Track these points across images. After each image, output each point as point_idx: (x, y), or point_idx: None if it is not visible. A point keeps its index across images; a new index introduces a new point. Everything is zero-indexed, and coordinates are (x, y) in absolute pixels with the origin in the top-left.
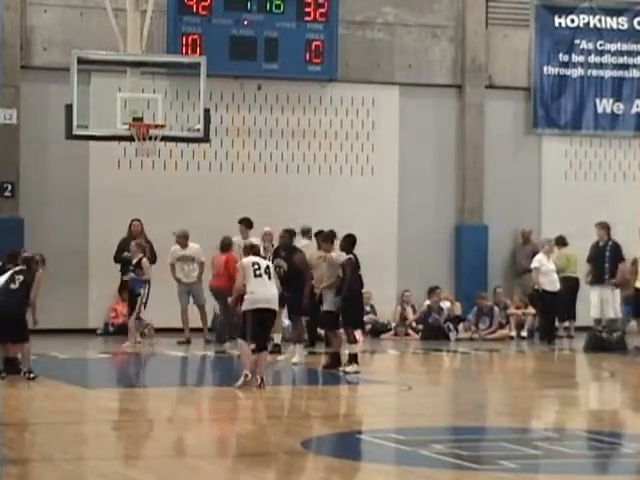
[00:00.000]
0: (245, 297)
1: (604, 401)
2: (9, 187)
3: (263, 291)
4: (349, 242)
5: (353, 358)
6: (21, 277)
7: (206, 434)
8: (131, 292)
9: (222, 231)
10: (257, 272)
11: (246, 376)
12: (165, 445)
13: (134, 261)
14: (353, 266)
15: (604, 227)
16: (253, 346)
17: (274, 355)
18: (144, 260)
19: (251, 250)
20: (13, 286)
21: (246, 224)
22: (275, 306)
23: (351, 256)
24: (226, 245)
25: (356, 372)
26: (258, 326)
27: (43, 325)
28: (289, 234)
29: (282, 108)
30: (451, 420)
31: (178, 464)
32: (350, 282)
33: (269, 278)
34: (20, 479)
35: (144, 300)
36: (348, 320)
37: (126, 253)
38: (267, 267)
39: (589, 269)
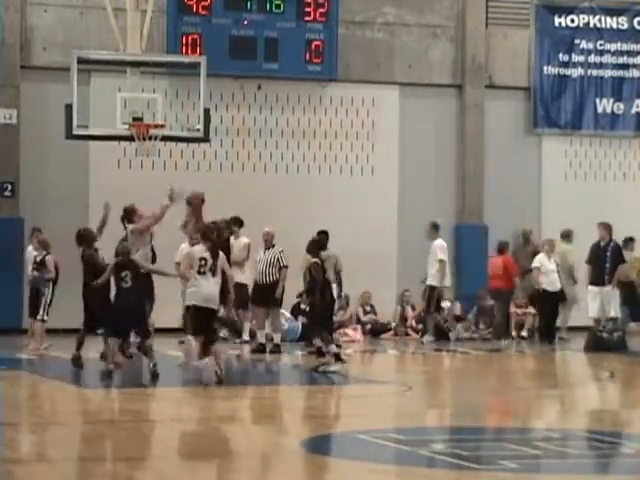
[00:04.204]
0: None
1: (604, 401)
2: (9, 187)
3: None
4: (315, 246)
5: (336, 357)
6: (128, 274)
7: (206, 434)
8: (36, 292)
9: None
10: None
11: (216, 372)
12: (165, 445)
13: (38, 259)
14: (319, 269)
15: (606, 227)
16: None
17: (274, 355)
18: (48, 258)
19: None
20: (125, 285)
21: (236, 223)
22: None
23: (317, 260)
24: (503, 247)
25: (335, 371)
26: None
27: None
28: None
29: (282, 108)
30: (451, 420)
31: (178, 464)
32: (318, 286)
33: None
34: (20, 479)
35: (48, 300)
36: (316, 323)
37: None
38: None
39: (589, 270)
